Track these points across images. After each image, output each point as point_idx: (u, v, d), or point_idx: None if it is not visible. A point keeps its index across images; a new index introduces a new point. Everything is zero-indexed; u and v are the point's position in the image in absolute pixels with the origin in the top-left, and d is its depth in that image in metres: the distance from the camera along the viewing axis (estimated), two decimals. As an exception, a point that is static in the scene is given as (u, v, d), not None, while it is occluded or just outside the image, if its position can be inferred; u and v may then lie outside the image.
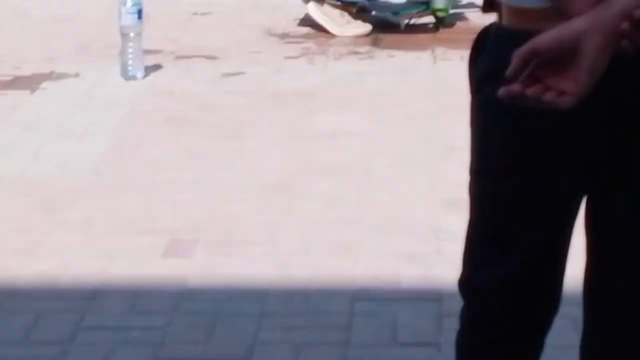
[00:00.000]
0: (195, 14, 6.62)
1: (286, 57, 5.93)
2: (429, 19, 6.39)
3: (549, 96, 1.73)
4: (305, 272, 3.75)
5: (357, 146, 4.76)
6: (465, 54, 5.63)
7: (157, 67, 5.72)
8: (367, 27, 6.24)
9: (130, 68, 5.55)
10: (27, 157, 4.75)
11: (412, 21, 6.34)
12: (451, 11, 6.43)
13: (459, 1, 6.65)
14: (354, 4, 6.28)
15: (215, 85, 5.56)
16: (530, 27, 1.84)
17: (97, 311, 3.54)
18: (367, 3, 6.37)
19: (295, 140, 4.84)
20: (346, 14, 6.25)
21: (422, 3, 6.42)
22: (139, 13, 5.51)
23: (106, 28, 6.03)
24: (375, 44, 6.10)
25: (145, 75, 5.60)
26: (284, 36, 6.24)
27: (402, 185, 4.36)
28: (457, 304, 3.50)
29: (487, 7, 2.03)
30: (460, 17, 6.55)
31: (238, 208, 4.21)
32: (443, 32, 6.26)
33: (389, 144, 4.76)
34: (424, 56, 5.84)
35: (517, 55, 1.73)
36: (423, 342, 3.34)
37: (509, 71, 1.74)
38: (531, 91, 1.73)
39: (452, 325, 3.35)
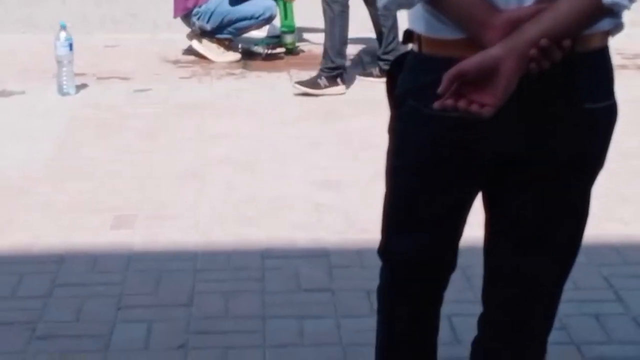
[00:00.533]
0: (107, 46, 6.36)
1: (180, 78, 5.77)
2: (281, 49, 6.29)
3: (474, 108, 1.68)
4: (223, 238, 3.65)
5: (244, 144, 4.64)
6: (311, 73, 5.67)
7: (84, 85, 5.49)
8: (237, 56, 6.12)
9: (64, 87, 5.32)
10: None
11: (270, 51, 6.20)
12: (297, 44, 6.38)
13: (301, 37, 6.58)
14: (226, 39, 6.12)
15: (130, 98, 5.35)
16: (447, 54, 1.79)
17: (66, 273, 3.38)
18: (235, 38, 6.19)
19: (197, 140, 4.69)
20: (221, 47, 6.11)
21: (275, 37, 6.34)
22: (70, 46, 5.30)
23: (43, 57, 5.76)
24: (245, 67, 5.98)
25: (77, 92, 5.37)
26: (176, 62, 6.07)
27: (284, 172, 4.27)
28: (341, 258, 3.47)
29: (406, 39, 1.92)
30: (303, 48, 6.49)
31: (164, 191, 4.09)
32: (292, 59, 6.16)
33: (268, 142, 4.65)
34: (283, 75, 5.75)
35: (447, 76, 1.67)
36: (321, 288, 3.27)
37: (441, 88, 1.68)
38: (461, 104, 1.68)
39: (340, 274, 3.34)
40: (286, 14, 6.11)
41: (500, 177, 1.90)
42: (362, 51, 6.22)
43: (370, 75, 5.56)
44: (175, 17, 6.18)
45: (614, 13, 1.70)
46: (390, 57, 5.24)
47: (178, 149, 4.54)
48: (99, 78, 5.67)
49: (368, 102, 4.90)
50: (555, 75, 1.71)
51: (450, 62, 1.70)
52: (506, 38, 1.68)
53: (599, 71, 1.82)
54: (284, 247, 3.54)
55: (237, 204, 3.91)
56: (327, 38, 5.32)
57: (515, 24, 1.69)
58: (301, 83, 5.30)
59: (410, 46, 1.91)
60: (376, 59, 5.57)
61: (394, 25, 5.37)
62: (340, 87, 5.32)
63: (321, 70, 5.30)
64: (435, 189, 1.95)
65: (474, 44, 1.73)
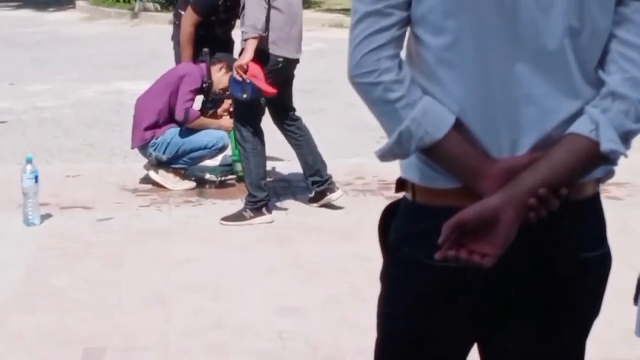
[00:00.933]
0: (67, 176, 6.35)
1: (140, 206, 5.80)
2: (233, 177, 6.32)
3: (475, 258, 1.65)
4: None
5: (206, 270, 4.70)
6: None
7: (48, 215, 5.50)
8: (192, 184, 6.21)
9: (30, 217, 5.33)
10: None
11: (222, 178, 6.24)
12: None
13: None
14: (181, 168, 6.18)
15: (92, 227, 5.37)
16: (441, 203, 1.75)
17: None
18: (189, 167, 6.24)
19: (161, 267, 4.72)
20: (177, 176, 6.19)
21: (227, 165, 6.43)
22: (36, 178, 5.33)
23: (7, 187, 5.77)
24: (200, 195, 6.04)
25: (41, 222, 5.36)
26: (134, 191, 6.12)
27: (246, 298, 4.24)
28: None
29: (398, 188, 1.88)
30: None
31: (131, 320, 4.05)
32: (244, 186, 6.11)
33: (228, 267, 4.68)
34: (237, 202, 5.79)
35: (447, 226, 1.64)
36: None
37: (441, 239, 1.65)
38: (462, 255, 1.65)
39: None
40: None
41: (493, 327, 1.86)
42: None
43: (313, 200, 5.54)
44: (132, 147, 6.25)
45: (611, 160, 1.68)
46: (317, 177, 5.56)
47: (143, 276, 4.61)
48: (62, 208, 5.71)
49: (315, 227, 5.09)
50: (550, 225, 1.67)
51: (445, 211, 1.68)
52: (504, 187, 1.66)
53: (592, 219, 1.80)
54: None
55: (203, 332, 3.88)
56: (245, 175, 5.51)
57: (511, 173, 1.67)
58: (226, 218, 5.40)
59: (403, 194, 1.88)
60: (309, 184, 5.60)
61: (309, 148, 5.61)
62: (267, 217, 5.42)
63: (245, 204, 5.43)
64: (428, 338, 1.88)
65: (469, 193, 1.71)
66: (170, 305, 4.14)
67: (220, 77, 6.02)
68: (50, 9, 19.21)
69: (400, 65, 1.71)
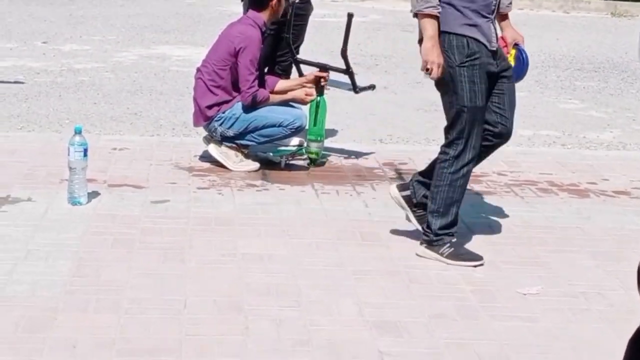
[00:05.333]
0: (114, 149, 5.91)
1: (198, 188, 5.31)
2: (302, 160, 5.86)
3: None
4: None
5: (283, 269, 4.18)
6: (338, 189, 5.21)
7: (95, 193, 5.02)
8: (256, 165, 5.71)
9: (76, 195, 4.85)
10: (0, 276, 3.94)
11: (289, 160, 5.79)
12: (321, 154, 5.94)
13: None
14: (245, 146, 5.68)
15: (147, 210, 4.88)
16: None
17: None
18: (254, 147, 5.78)
19: (230, 264, 4.22)
20: (240, 154, 5.67)
21: (298, 146, 5.94)
22: (85, 152, 4.86)
23: (47, 158, 5.40)
24: (265, 178, 5.56)
25: (88, 201, 4.89)
26: (190, 170, 5.64)
27: (333, 309, 3.74)
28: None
29: None
30: (328, 159, 6.03)
31: (202, 328, 3.55)
32: (314, 170, 5.67)
33: (307, 267, 4.17)
34: (307, 189, 5.31)
35: None
36: None
37: None
38: None
39: None
40: (316, 120, 5.64)
41: None
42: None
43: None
44: (195, 126, 5.76)
45: None
46: None
47: (211, 274, 4.08)
48: (110, 185, 5.25)
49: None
50: None
51: None
52: None
53: None
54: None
55: (287, 349, 3.42)
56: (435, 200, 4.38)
57: None
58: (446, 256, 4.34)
59: None
60: None
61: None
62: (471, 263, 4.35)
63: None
64: None
65: None
66: (247, 312, 3.62)
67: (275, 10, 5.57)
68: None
69: None
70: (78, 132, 4.81)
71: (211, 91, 5.56)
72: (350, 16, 5.82)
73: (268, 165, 5.73)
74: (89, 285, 3.86)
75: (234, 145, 5.63)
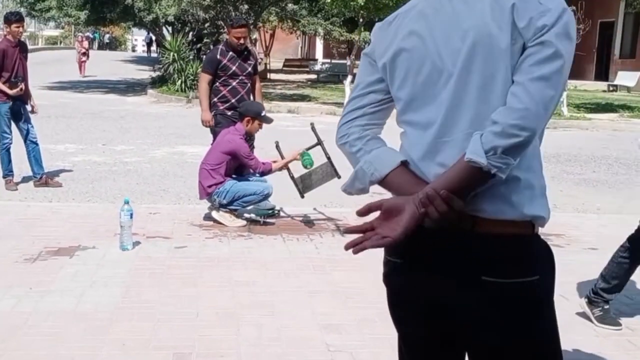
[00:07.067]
0: (150, 213, 5.84)
1: (206, 238, 5.22)
2: (274, 219, 5.81)
3: (374, 238, 1.45)
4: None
5: (263, 291, 4.09)
6: (298, 237, 5.09)
7: (137, 242, 4.93)
8: (244, 222, 5.65)
9: (125, 244, 4.75)
10: (75, 298, 3.85)
11: (265, 220, 5.73)
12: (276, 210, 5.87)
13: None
14: (235, 210, 5.63)
15: (172, 253, 4.78)
16: None
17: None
18: (241, 209, 5.70)
19: (228, 286, 4.14)
20: (232, 216, 5.62)
21: (270, 209, 5.86)
22: (131, 215, 4.77)
23: (106, 220, 5.29)
24: (250, 231, 5.46)
25: (133, 248, 4.77)
26: (201, 226, 5.58)
27: (295, 316, 3.72)
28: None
29: None
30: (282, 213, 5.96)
31: (209, 330, 3.51)
32: (281, 224, 5.63)
33: (278, 290, 4.13)
34: (278, 238, 5.31)
35: (367, 205, 1.50)
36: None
37: (360, 211, 1.51)
38: (366, 235, 1.48)
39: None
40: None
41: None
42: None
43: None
44: (201, 199, 5.66)
45: (491, 175, 1.42)
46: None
47: (214, 294, 4.01)
48: (147, 237, 5.12)
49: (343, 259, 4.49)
50: (455, 248, 1.48)
51: None
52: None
53: (506, 251, 1.48)
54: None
55: (268, 343, 3.36)
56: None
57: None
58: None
59: None
60: None
61: None
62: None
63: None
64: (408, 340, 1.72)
65: None
66: (238, 319, 3.57)
67: (249, 129, 5.52)
68: (129, 94, 18.91)
69: (365, 129, 1.64)
70: (126, 202, 4.73)
71: (211, 175, 5.51)
72: (312, 125, 5.64)
73: (252, 222, 5.66)
74: (133, 303, 3.77)
75: (227, 210, 5.58)
